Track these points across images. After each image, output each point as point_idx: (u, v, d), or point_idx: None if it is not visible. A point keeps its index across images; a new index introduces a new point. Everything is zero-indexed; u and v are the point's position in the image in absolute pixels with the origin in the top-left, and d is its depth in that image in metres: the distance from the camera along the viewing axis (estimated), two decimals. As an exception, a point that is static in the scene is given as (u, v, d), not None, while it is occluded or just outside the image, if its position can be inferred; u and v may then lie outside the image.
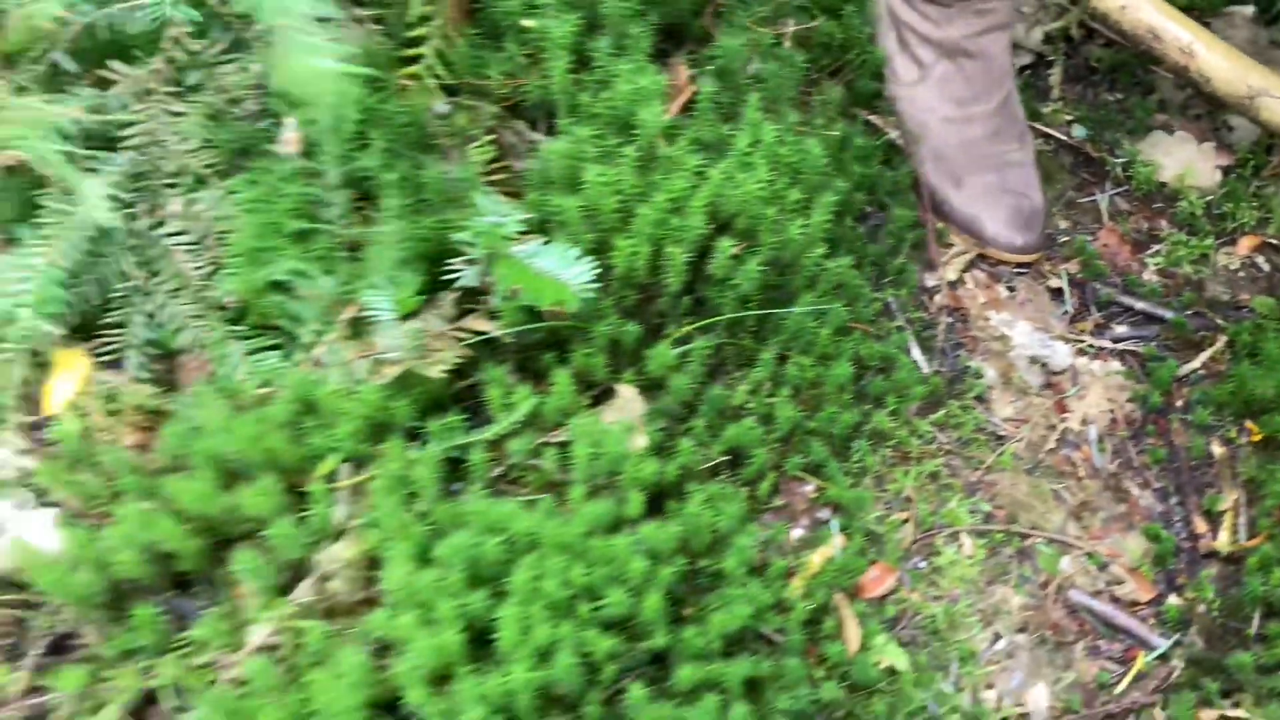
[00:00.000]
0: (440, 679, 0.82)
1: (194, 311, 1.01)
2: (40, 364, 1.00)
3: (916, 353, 1.41)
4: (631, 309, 1.10)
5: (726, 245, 1.07)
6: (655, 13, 1.13)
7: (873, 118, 1.54)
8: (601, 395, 1.06)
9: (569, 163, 1.03)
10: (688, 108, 1.13)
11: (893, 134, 1.55)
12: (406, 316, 0.88)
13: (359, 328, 0.94)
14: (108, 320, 1.02)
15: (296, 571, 0.89)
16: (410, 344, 0.89)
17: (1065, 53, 1.77)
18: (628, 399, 1.05)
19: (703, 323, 1.09)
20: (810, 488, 1.25)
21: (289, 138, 1.06)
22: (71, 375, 1.01)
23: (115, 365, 1.02)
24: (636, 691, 0.87)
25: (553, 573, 0.83)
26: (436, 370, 0.91)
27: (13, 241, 0.95)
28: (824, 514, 1.25)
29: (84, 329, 1.01)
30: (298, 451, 0.89)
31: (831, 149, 1.31)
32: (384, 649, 0.86)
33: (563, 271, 0.88)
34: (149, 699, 0.87)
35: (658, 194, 1.04)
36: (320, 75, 0.86)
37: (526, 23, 1.06)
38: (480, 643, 0.84)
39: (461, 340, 0.94)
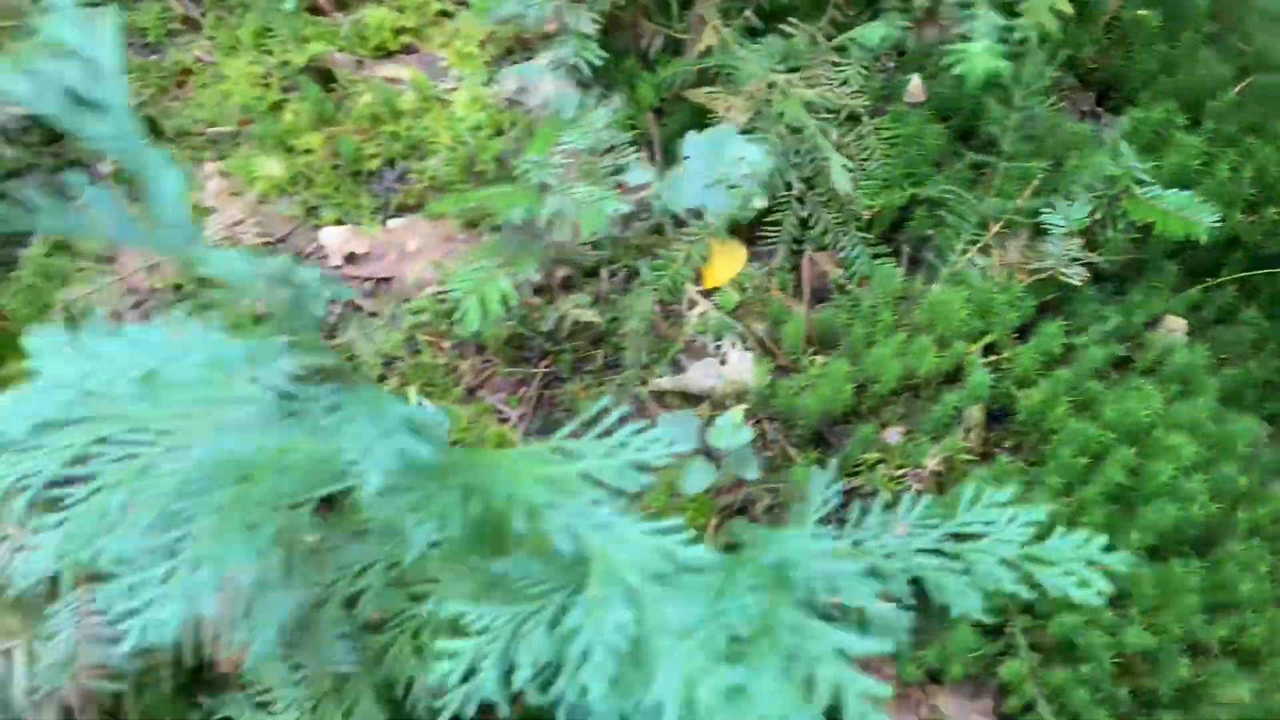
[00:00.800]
0: (1112, 500, 1.06)
1: (836, 220, 1.28)
2: (706, 248, 1.28)
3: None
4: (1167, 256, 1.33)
5: (1272, 212, 1.28)
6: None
7: None
8: (1150, 323, 1.28)
9: (1154, 129, 1.27)
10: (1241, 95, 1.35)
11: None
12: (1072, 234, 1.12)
13: (999, 239, 1.18)
14: (768, 220, 1.30)
15: (935, 427, 1.15)
16: (1065, 256, 1.13)
17: None
18: (1173, 326, 1.26)
19: (1235, 276, 1.30)
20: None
21: (914, 90, 1.33)
22: (732, 259, 1.29)
23: (763, 257, 1.30)
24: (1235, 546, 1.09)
25: (1183, 444, 1.07)
26: (1078, 279, 1.14)
27: (754, 140, 1.24)
28: None
29: (739, 227, 1.29)
30: (960, 329, 1.14)
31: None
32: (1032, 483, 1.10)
33: (1186, 212, 1.10)
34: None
35: (1222, 162, 1.26)
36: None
37: (1141, 13, 1.30)
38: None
39: (1077, 260, 1.18)
